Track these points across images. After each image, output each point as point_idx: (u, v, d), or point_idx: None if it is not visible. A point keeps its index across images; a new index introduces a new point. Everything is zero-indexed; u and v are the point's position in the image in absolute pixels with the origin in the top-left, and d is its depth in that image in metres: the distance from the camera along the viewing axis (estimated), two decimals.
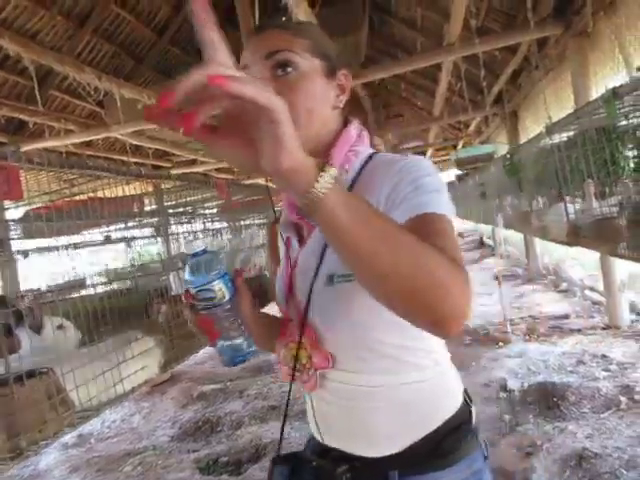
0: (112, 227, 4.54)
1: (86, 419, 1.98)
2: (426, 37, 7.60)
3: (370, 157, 1.00)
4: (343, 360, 0.97)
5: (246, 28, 5.65)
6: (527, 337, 5.36)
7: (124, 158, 7.95)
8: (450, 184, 12.13)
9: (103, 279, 5.27)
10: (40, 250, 4.11)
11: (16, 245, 4.15)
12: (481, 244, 13.23)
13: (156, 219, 4.36)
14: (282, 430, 1.06)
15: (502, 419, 3.57)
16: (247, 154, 0.64)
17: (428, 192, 0.85)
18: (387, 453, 0.96)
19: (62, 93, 6.78)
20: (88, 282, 4.67)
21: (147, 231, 4.44)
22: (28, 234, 3.51)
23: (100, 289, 4.10)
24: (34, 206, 3.64)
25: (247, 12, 5.11)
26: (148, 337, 2.92)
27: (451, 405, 1.00)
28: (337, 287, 0.92)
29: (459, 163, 8.19)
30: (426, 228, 0.77)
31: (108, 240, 4.85)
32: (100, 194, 3.15)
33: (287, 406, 1.05)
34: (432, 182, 0.87)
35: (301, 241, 1.05)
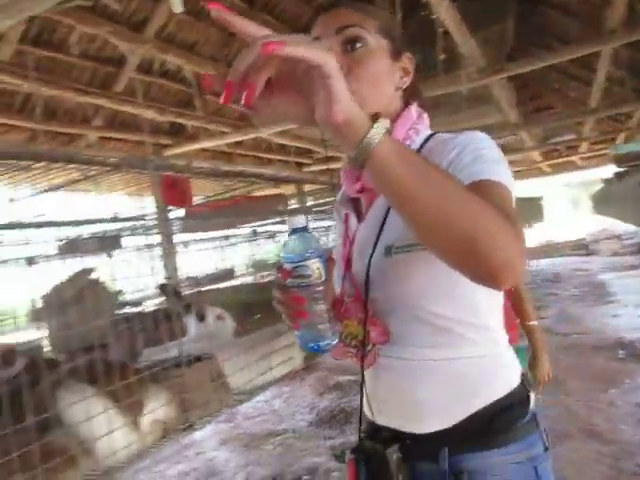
0: (259, 223, 4.83)
1: (240, 402, 2.15)
2: (582, 23, 7.00)
3: (430, 136, 1.01)
4: (399, 334, 0.97)
5: None
6: None
7: (269, 156, 8.39)
8: (607, 181, 11.08)
9: (251, 271, 5.62)
10: (197, 242, 4.51)
11: (177, 239, 4.61)
12: None
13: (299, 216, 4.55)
14: (360, 414, 1.07)
15: None
16: (302, 110, 0.67)
17: (488, 161, 0.84)
18: (437, 429, 0.96)
19: (216, 97, 7.34)
20: (237, 273, 5.02)
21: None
22: (188, 229, 3.86)
23: (249, 280, 4.39)
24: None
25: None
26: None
27: (505, 384, 0.98)
28: (395, 258, 0.93)
29: (618, 159, 7.45)
30: (483, 192, 0.75)
31: (255, 234, 5.16)
32: (252, 193, 3.40)
33: (362, 384, 1.03)
34: (492, 153, 0.87)
35: (359, 217, 1.07)
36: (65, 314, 2.53)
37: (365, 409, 1.07)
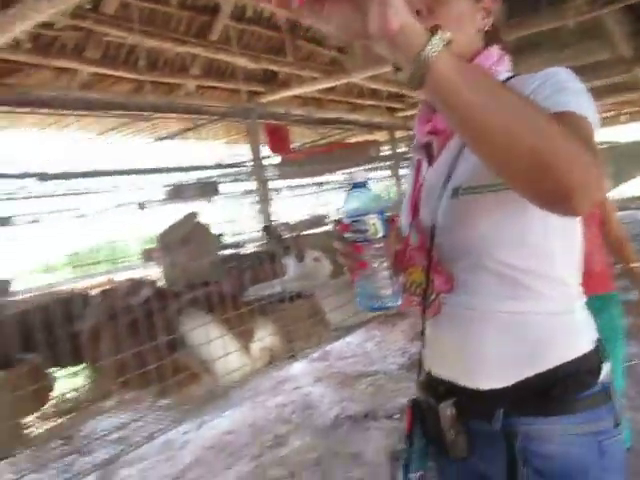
0: (352, 170, 4.86)
1: (336, 338, 2.29)
2: None
3: (510, 78, 0.97)
4: (464, 283, 0.93)
5: None
6: None
7: (361, 101, 8.30)
8: None
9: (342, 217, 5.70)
10: (291, 188, 4.64)
11: (272, 185, 4.76)
12: None
13: (389, 163, 4.55)
14: (419, 364, 1.06)
15: None
16: (355, 21, 0.64)
17: (571, 94, 0.80)
18: (494, 386, 0.91)
19: (307, 42, 7.29)
20: (329, 219, 5.14)
21: (383, 173, 4.66)
22: (283, 176, 3.98)
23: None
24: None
25: None
26: None
27: (575, 348, 0.91)
28: (462, 200, 0.89)
29: None
30: (567, 121, 0.71)
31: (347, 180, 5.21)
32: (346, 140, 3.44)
33: (423, 333, 1.01)
34: (575, 86, 0.83)
35: (431, 162, 1.03)
36: (176, 254, 2.76)
37: (423, 358, 1.05)
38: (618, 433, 0.91)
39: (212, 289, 1.76)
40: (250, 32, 6.35)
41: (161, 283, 2.84)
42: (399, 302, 0.92)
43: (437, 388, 1.00)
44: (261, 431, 3.58)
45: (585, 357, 0.91)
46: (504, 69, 1.00)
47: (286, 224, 4.51)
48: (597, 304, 1.98)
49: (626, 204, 11.73)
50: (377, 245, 0.88)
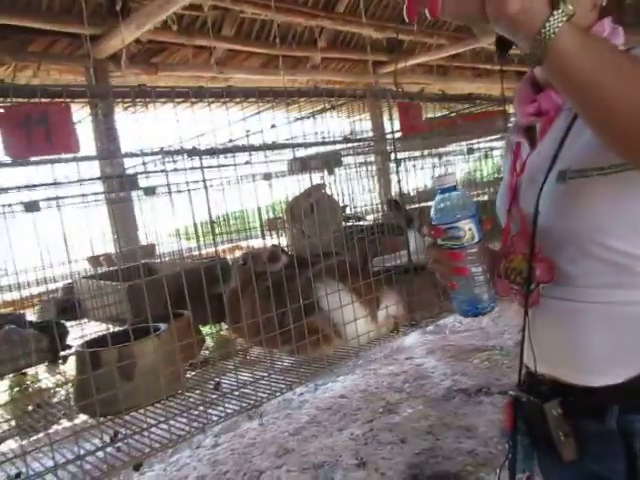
0: (476, 140, 4.76)
1: (451, 313, 2.34)
2: None
3: (628, 50, 0.88)
4: (569, 273, 0.87)
5: None
6: None
7: (488, 66, 7.97)
8: None
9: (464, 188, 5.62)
10: (411, 159, 4.64)
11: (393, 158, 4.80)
12: None
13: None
14: (521, 360, 1.00)
15: None
16: (473, 5, 0.62)
17: None
18: (606, 383, 0.85)
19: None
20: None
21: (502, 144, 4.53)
22: (405, 148, 4.01)
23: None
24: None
25: None
26: None
27: None
28: (570, 184, 0.83)
29: None
30: None
31: (471, 151, 5.12)
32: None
33: (525, 326, 0.94)
34: None
35: (533, 145, 0.97)
36: (304, 224, 2.95)
37: (526, 355, 0.99)
38: None
39: (342, 259, 1.91)
40: (377, 1, 6.34)
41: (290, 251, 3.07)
42: (495, 306, 0.90)
43: (540, 385, 0.95)
44: (373, 397, 3.73)
45: None
46: (618, 42, 0.92)
47: (408, 195, 4.55)
48: None
49: None
50: (473, 250, 0.86)
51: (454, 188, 0.87)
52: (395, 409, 3.51)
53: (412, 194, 4.98)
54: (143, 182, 2.44)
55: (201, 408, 1.56)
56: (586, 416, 0.88)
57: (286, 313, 1.68)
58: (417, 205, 3.31)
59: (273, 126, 2.35)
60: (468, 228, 0.85)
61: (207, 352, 2.08)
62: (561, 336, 0.91)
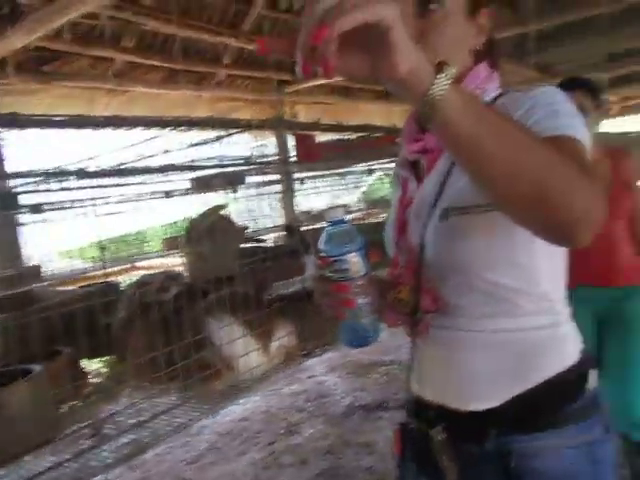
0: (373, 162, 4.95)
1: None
2: None
3: (500, 95, 0.96)
4: (452, 303, 0.93)
5: None
6: None
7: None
8: None
9: (363, 206, 5.79)
10: (312, 178, 4.72)
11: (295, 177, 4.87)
12: None
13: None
14: (408, 383, 1.03)
15: None
16: (365, 65, 0.64)
17: (563, 116, 0.80)
18: (485, 407, 0.91)
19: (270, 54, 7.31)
20: (350, 209, 5.22)
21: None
22: (308, 169, 4.08)
23: (364, 219, 4.59)
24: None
25: None
26: None
27: (562, 360, 0.92)
28: (452, 221, 0.88)
29: None
30: (561, 147, 0.71)
31: (371, 172, 5.31)
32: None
33: (412, 355, 1.00)
34: (567, 108, 0.82)
35: (419, 180, 1.00)
36: (201, 246, 2.90)
37: (412, 382, 1.03)
38: (609, 439, 0.93)
39: (237, 289, 1.89)
40: (283, 21, 6.40)
41: (185, 273, 3.00)
42: (378, 336, 0.93)
43: (427, 412, 0.99)
44: (275, 418, 3.74)
45: (573, 368, 0.92)
46: (493, 86, 0.98)
47: (308, 213, 4.61)
48: (624, 295, 2.05)
49: None
50: (360, 282, 0.87)
51: (342, 221, 0.88)
52: (297, 429, 3.53)
53: (313, 211, 5.07)
54: (28, 200, 2.30)
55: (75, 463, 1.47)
56: (468, 440, 0.93)
57: (175, 348, 1.64)
58: (315, 226, 3.38)
59: (166, 151, 2.31)
60: (355, 261, 0.87)
61: (92, 390, 1.98)
62: (446, 364, 0.95)
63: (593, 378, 0.94)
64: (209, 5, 5.71)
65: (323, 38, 0.57)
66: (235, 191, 3.24)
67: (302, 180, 4.95)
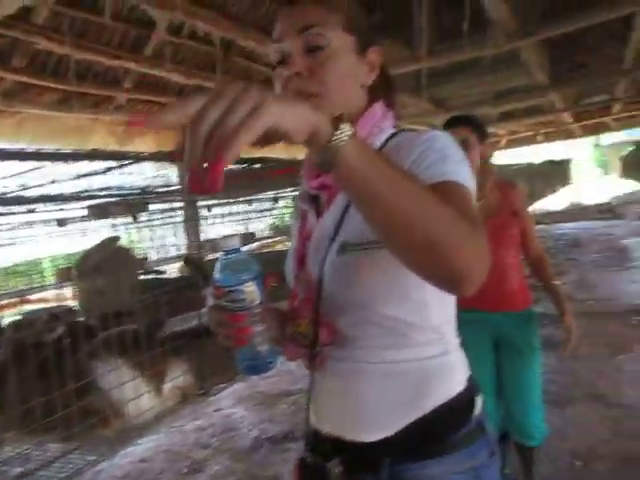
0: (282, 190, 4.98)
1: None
2: None
3: (394, 134, 0.99)
4: (348, 336, 0.95)
5: None
6: None
7: None
8: (638, 145, 10.73)
9: (270, 234, 5.81)
10: (219, 206, 4.67)
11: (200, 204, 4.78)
12: None
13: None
14: (307, 416, 1.04)
15: None
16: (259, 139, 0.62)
17: (451, 162, 0.84)
18: (379, 437, 0.94)
19: (244, 59, 7.33)
20: (257, 236, 5.21)
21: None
22: (214, 197, 4.02)
23: (269, 248, 4.59)
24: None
25: None
26: None
27: (451, 388, 0.96)
28: (349, 257, 0.91)
29: None
30: (446, 194, 0.76)
31: (277, 200, 5.33)
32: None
33: (310, 387, 1.00)
34: (455, 154, 0.87)
35: (319, 215, 1.03)
36: (93, 280, 2.76)
37: (311, 415, 1.04)
38: (494, 462, 0.97)
39: (127, 328, 1.79)
40: (186, 47, 6.34)
41: (76, 308, 2.83)
42: (277, 363, 0.93)
43: (324, 444, 1.00)
44: (178, 457, 3.54)
45: (460, 396, 0.96)
46: (388, 125, 1.00)
47: (211, 241, 4.53)
48: (516, 320, 2.20)
49: (540, 220, 12.45)
50: (256, 311, 0.87)
51: (237, 250, 0.87)
52: (201, 467, 3.39)
53: (217, 239, 4.97)
54: None
55: None
56: (364, 471, 0.94)
57: (57, 396, 1.53)
58: (215, 256, 3.32)
59: (53, 181, 2.18)
60: (251, 290, 0.85)
61: None
62: (342, 395, 0.97)
63: (479, 404, 0.99)
64: (108, 28, 5.55)
65: (217, 173, 0.56)
66: (135, 219, 3.12)
67: (209, 208, 4.87)
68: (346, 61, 0.93)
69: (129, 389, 1.61)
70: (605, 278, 7.03)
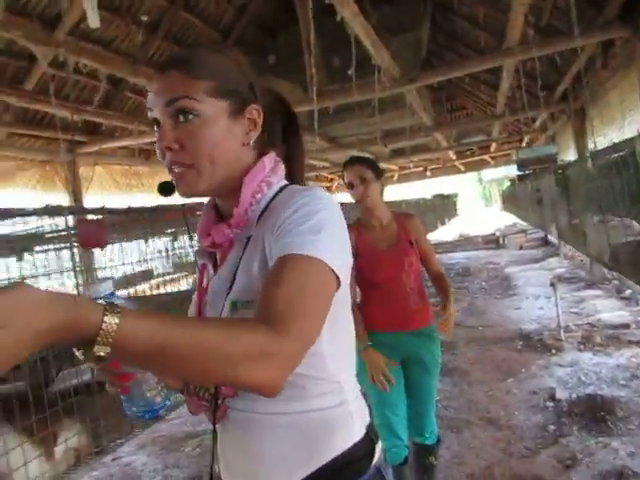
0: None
1: (157, 420, 2.25)
2: (489, 34, 7.49)
3: (283, 187, 0.99)
4: None
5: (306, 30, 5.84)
6: (582, 346, 5.29)
7: None
8: (512, 182, 11.82)
9: (169, 271, 5.65)
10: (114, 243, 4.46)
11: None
12: (545, 242, 12.88)
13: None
14: (211, 473, 1.03)
15: (546, 429, 3.60)
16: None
17: (310, 232, 0.83)
18: None
19: (135, 94, 7.19)
20: (155, 273, 5.02)
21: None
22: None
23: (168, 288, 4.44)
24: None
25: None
26: None
27: (349, 437, 0.96)
28: (240, 314, 0.91)
29: (520, 163, 8.06)
30: (280, 272, 0.78)
31: (175, 238, 5.23)
32: None
33: (214, 440, 1.01)
34: (315, 222, 0.85)
35: (215, 268, 1.03)
36: None
37: (215, 467, 1.03)
38: None
39: (12, 389, 1.64)
40: (73, 81, 6.10)
41: None
42: (169, 403, 0.91)
43: None
44: None
45: (360, 443, 0.95)
46: (277, 179, 0.99)
47: (108, 279, 4.31)
48: (420, 336, 2.35)
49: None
50: None
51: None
52: None
53: (113, 277, 4.77)
54: None
55: None
56: None
57: None
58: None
59: None
60: None
61: None
62: (242, 446, 0.96)
63: (379, 451, 0.99)
64: None
65: None
66: (21, 259, 2.91)
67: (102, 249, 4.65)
68: (217, 128, 0.90)
69: (15, 457, 1.47)
70: (492, 305, 7.48)
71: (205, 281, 1.04)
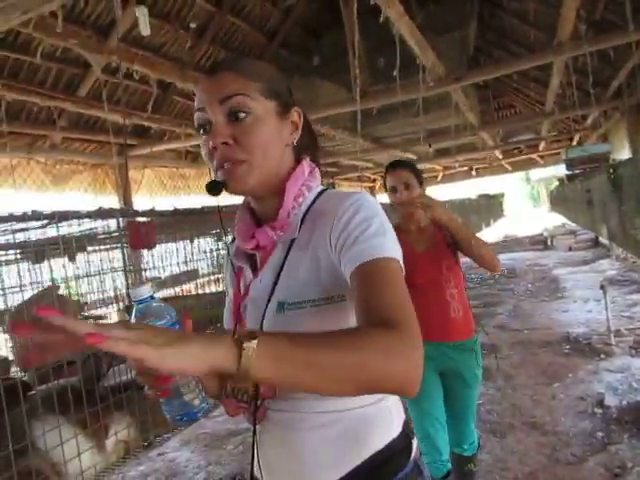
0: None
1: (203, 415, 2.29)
2: (539, 30, 7.28)
3: (321, 192, 1.03)
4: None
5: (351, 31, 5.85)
6: (633, 351, 5.09)
7: None
8: (561, 182, 11.45)
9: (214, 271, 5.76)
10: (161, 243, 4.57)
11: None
12: (595, 244, 12.42)
13: None
14: (252, 470, 1.03)
15: (594, 436, 3.49)
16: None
17: (377, 235, 0.88)
18: None
19: (183, 98, 7.37)
20: (201, 273, 5.13)
21: None
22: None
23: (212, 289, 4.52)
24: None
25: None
26: None
27: (388, 433, 0.98)
28: (288, 314, 0.93)
29: (569, 162, 7.78)
30: (371, 280, 0.82)
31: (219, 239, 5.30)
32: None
33: (254, 441, 1.00)
34: (379, 222, 0.90)
35: (254, 270, 1.04)
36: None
37: (256, 469, 1.03)
38: None
39: (66, 384, 1.72)
40: (124, 86, 6.30)
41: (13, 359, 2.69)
42: (207, 406, 0.90)
43: None
44: None
45: (398, 439, 0.97)
46: (315, 183, 1.03)
47: (156, 279, 4.45)
48: (460, 350, 2.29)
49: None
50: None
51: (151, 297, 0.85)
52: None
53: (160, 277, 4.90)
54: None
55: None
56: None
57: None
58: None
59: None
60: None
61: None
62: (284, 446, 0.97)
63: (415, 447, 1.00)
64: (41, 67, 5.46)
65: (89, 343, 0.59)
66: (73, 261, 3.04)
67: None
68: (269, 126, 0.95)
69: (69, 448, 1.54)
70: (539, 307, 7.28)
71: (242, 284, 1.05)
